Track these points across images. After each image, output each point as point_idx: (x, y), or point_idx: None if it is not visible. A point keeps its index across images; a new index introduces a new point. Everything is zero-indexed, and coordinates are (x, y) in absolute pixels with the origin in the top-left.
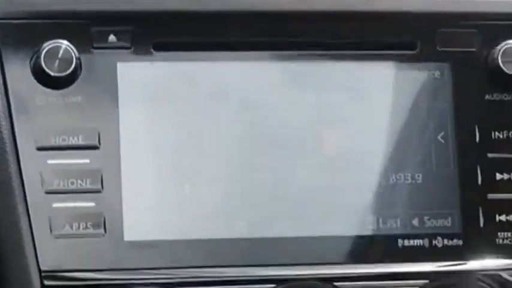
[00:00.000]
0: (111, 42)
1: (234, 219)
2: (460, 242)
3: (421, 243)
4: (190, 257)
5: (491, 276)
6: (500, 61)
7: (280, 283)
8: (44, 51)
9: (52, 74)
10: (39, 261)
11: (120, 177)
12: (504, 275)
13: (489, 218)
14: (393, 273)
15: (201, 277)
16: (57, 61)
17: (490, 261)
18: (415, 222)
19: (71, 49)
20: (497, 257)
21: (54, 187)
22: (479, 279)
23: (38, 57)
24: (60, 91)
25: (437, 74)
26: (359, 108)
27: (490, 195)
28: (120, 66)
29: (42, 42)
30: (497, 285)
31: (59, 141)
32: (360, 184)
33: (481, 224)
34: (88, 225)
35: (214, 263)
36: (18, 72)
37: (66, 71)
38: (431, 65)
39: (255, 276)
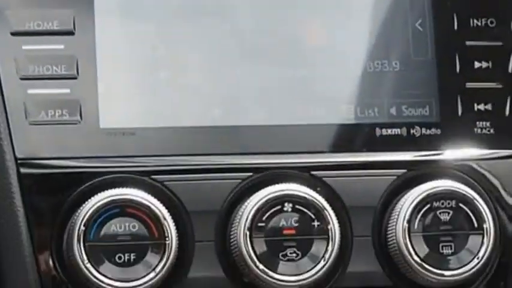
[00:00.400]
0: None
1: (210, 107)
2: (438, 131)
3: (399, 132)
4: (167, 145)
5: (468, 166)
6: None
7: (257, 171)
8: None
9: None
10: (15, 148)
11: (96, 64)
12: (475, 165)
13: (467, 107)
14: (370, 162)
15: (178, 165)
16: None
17: (468, 150)
18: (393, 111)
19: None
20: (475, 147)
21: (29, 73)
22: (456, 169)
23: None
24: None
25: None
26: None
27: (469, 84)
28: None
29: None
30: (474, 175)
31: (33, 26)
32: (337, 72)
33: (459, 113)
34: (63, 112)
35: (191, 151)
36: None
37: None
38: None
39: (231, 164)
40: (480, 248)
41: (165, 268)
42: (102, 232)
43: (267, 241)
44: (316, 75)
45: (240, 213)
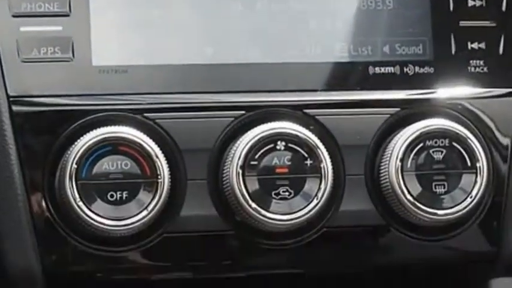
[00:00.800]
0: None
1: (203, 44)
2: (432, 70)
3: (392, 71)
4: (159, 83)
5: (461, 105)
6: None
7: (250, 109)
8: None
9: None
10: (7, 86)
11: (88, 1)
12: (468, 104)
13: (461, 46)
14: (363, 100)
15: (170, 103)
16: None
17: (461, 89)
18: (386, 49)
19: None
20: (469, 85)
21: (22, 10)
22: (449, 108)
23: None
24: None
25: None
26: None
27: (462, 22)
28: None
29: None
30: (467, 114)
31: None
32: (331, 11)
33: (453, 52)
34: (56, 50)
35: (183, 89)
36: None
37: None
38: None
39: (224, 102)
40: (473, 186)
41: (157, 206)
42: (94, 170)
43: (260, 179)
44: (309, 14)
45: (233, 151)
